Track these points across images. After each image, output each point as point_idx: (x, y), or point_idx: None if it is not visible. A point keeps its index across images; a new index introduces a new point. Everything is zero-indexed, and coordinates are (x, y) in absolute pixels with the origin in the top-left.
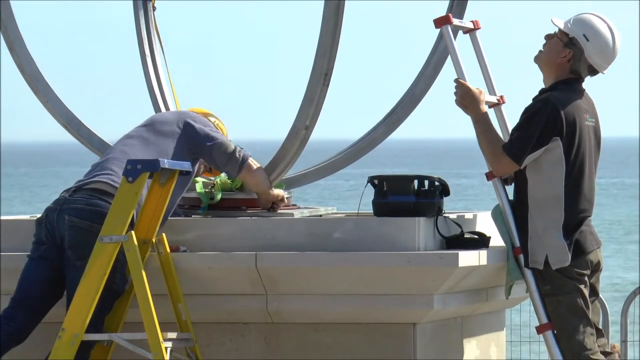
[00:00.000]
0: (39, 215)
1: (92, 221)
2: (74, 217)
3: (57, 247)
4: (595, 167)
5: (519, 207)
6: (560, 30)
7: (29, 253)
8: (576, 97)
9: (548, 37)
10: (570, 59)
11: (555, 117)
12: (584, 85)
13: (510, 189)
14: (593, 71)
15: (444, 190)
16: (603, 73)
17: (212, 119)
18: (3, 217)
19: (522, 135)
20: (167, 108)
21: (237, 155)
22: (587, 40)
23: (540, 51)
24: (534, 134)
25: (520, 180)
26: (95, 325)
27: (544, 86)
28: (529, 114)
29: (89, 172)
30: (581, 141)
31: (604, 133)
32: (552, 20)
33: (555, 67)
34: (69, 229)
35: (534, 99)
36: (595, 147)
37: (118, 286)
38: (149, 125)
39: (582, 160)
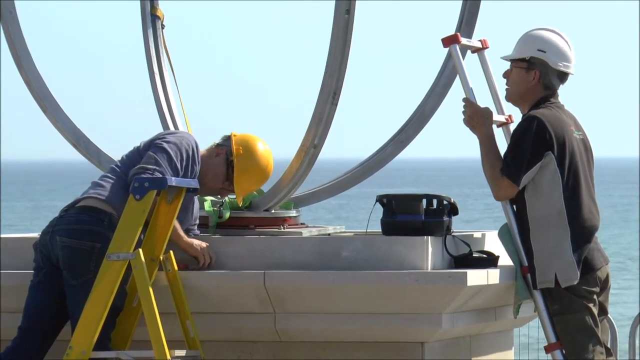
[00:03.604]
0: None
1: (82, 239)
2: (64, 238)
3: (55, 269)
4: (592, 179)
5: (521, 230)
6: (514, 60)
7: (30, 271)
8: (558, 112)
9: (507, 74)
10: (539, 78)
11: (543, 131)
12: (562, 100)
13: None
14: (562, 77)
15: (453, 209)
16: (572, 73)
17: (258, 145)
18: (3, 235)
19: (515, 156)
20: (175, 125)
21: (141, 172)
22: (544, 51)
23: (507, 89)
24: (526, 152)
25: (518, 203)
26: (102, 342)
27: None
28: (517, 135)
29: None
30: (572, 153)
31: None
32: (501, 58)
33: (528, 93)
34: (62, 250)
35: (518, 124)
36: (587, 159)
37: (117, 301)
38: (142, 143)
39: (575, 172)
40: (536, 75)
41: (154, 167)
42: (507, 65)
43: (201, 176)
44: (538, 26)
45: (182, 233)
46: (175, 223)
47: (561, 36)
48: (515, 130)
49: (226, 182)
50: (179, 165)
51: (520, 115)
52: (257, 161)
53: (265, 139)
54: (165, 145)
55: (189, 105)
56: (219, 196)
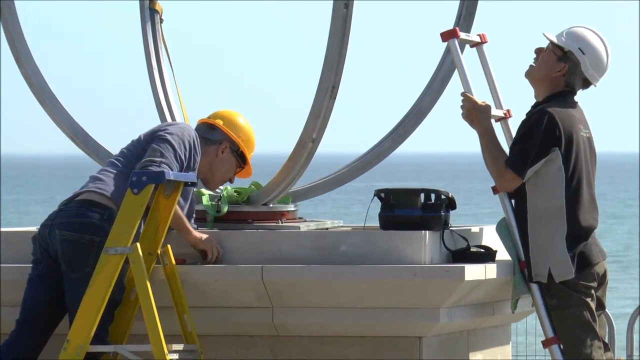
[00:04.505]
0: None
1: (82, 232)
2: (64, 231)
3: (54, 262)
4: (594, 178)
5: (519, 222)
6: (553, 44)
7: (30, 265)
8: (570, 108)
9: (539, 51)
10: (565, 72)
11: (553, 128)
12: (576, 98)
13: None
14: (586, 84)
15: (451, 203)
16: (595, 86)
17: (241, 121)
18: (3, 229)
19: (522, 148)
20: (173, 119)
21: (149, 165)
22: (583, 53)
23: (531, 66)
24: (533, 145)
25: (518, 195)
26: (99, 335)
27: (535, 100)
28: (526, 127)
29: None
30: (578, 151)
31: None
32: (544, 34)
33: (549, 81)
34: (61, 243)
35: (527, 114)
36: (591, 158)
37: (115, 295)
38: (139, 136)
39: (580, 170)
40: (564, 69)
41: (160, 159)
42: (539, 42)
43: (210, 173)
44: (592, 27)
45: (190, 227)
46: (183, 218)
47: (607, 50)
48: (524, 122)
49: (237, 169)
50: (183, 156)
51: (528, 97)
52: (252, 136)
53: (263, 133)
54: (168, 136)
55: (186, 98)
56: (229, 182)
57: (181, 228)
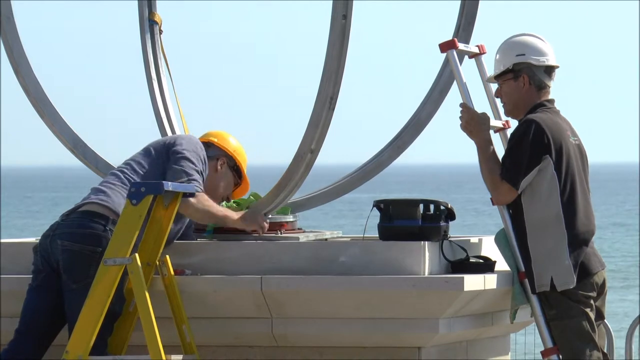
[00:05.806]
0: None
1: (83, 243)
2: (65, 241)
3: (55, 272)
4: (587, 184)
5: (517, 234)
6: (499, 76)
7: (30, 275)
8: (554, 116)
9: (498, 93)
10: (528, 81)
11: (541, 135)
12: (558, 106)
13: None
14: (549, 73)
15: (450, 214)
16: (557, 65)
17: (232, 141)
18: (3, 240)
19: (514, 160)
20: (173, 131)
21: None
22: (523, 54)
23: (503, 105)
24: (524, 156)
25: (514, 207)
26: (98, 347)
27: None
28: (515, 139)
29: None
30: (569, 158)
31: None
32: (486, 81)
33: (523, 100)
34: (62, 254)
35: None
36: (582, 165)
37: (115, 307)
38: (146, 148)
39: (572, 177)
40: (525, 79)
41: (187, 178)
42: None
43: (212, 189)
44: (505, 39)
45: (229, 213)
46: (216, 211)
47: (531, 35)
48: (512, 134)
49: (234, 186)
50: (201, 170)
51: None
52: (244, 153)
53: (262, 145)
54: (186, 153)
55: (186, 110)
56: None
57: (219, 221)
